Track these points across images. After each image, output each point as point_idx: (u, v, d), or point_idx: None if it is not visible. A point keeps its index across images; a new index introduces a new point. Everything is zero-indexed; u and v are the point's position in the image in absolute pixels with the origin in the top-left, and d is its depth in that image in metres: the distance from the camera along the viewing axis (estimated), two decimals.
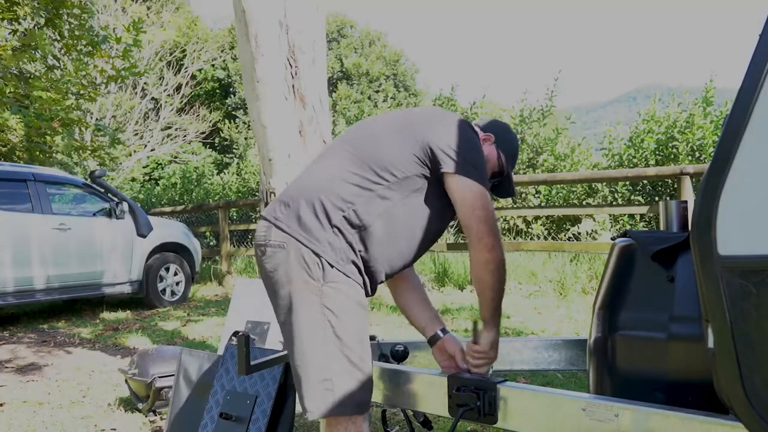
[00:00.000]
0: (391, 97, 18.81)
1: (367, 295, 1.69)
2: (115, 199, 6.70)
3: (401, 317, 5.43)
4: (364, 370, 1.59)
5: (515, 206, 7.65)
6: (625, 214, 6.93)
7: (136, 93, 19.03)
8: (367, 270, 1.66)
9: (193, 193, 12.09)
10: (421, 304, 1.91)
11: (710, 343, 1.14)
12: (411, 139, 1.63)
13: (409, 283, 1.93)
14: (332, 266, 1.58)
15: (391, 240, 1.65)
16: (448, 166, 1.59)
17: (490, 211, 1.60)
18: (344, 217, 1.60)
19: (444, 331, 1.84)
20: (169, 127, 19.94)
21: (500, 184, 1.86)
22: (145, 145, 19.47)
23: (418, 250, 1.74)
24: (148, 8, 19.21)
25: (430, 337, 1.85)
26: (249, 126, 17.18)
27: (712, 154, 1.30)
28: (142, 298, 7.01)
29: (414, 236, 1.68)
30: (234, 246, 9.57)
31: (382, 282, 1.75)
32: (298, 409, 2.32)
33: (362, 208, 1.60)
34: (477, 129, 1.80)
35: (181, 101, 19.97)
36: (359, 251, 1.63)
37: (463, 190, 1.59)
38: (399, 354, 2.01)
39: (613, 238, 1.74)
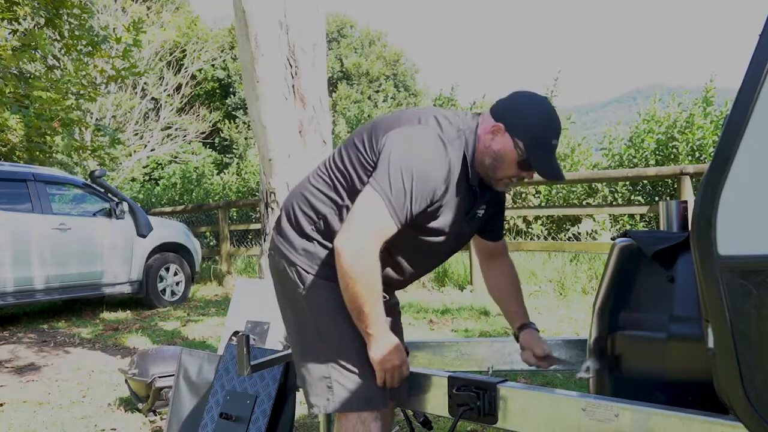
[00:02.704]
0: (391, 97, 18.78)
1: None
2: (115, 199, 6.70)
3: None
4: (365, 366, 1.60)
5: (515, 206, 7.65)
6: (625, 214, 6.93)
7: (136, 93, 19.01)
8: None
9: (193, 193, 12.08)
10: (513, 297, 1.93)
11: (710, 343, 1.14)
12: (370, 148, 1.58)
13: (506, 276, 1.93)
14: (308, 272, 1.62)
15: None
16: (375, 170, 1.51)
17: (371, 226, 1.47)
18: (314, 228, 1.64)
19: (524, 326, 1.88)
20: (169, 127, 19.92)
21: (541, 169, 1.59)
22: (145, 145, 19.46)
23: (401, 269, 1.70)
24: (148, 8, 19.19)
25: (517, 328, 1.90)
26: (249, 126, 17.17)
27: (712, 154, 1.30)
28: (142, 298, 7.00)
29: (390, 256, 1.62)
30: (234, 246, 9.57)
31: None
32: (299, 409, 2.32)
33: (331, 218, 1.62)
34: (486, 120, 1.61)
35: (181, 101, 19.94)
36: None
37: (363, 196, 1.50)
38: None
39: (613, 238, 1.74)
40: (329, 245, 1.61)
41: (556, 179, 1.60)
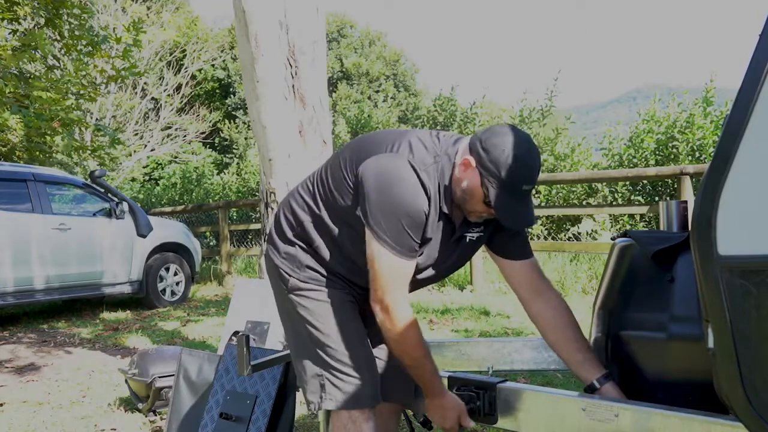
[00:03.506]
0: (391, 97, 18.79)
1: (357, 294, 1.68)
2: (115, 199, 6.70)
3: None
4: (357, 366, 1.61)
5: None
6: (625, 214, 6.93)
7: (136, 93, 18.99)
8: (340, 275, 1.66)
9: (193, 193, 12.09)
10: (576, 341, 1.64)
11: (710, 343, 1.14)
12: (350, 168, 1.57)
13: (558, 314, 1.68)
14: (289, 275, 1.66)
15: (345, 265, 1.64)
16: (362, 212, 1.50)
17: (389, 276, 1.50)
18: (294, 234, 1.68)
19: (602, 380, 1.57)
20: (169, 127, 19.91)
21: (501, 215, 1.49)
22: (145, 145, 19.45)
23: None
24: (148, 8, 19.18)
25: (586, 387, 1.59)
26: (249, 126, 17.16)
27: (712, 154, 1.29)
28: (142, 298, 7.00)
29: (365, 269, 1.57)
30: (234, 246, 9.57)
31: None
32: (299, 409, 2.32)
33: (308, 226, 1.65)
34: (463, 150, 1.54)
35: (181, 101, 19.93)
36: (321, 259, 1.65)
37: (370, 248, 1.51)
38: None
39: (613, 238, 1.74)
40: (308, 249, 1.65)
41: (518, 228, 1.56)
